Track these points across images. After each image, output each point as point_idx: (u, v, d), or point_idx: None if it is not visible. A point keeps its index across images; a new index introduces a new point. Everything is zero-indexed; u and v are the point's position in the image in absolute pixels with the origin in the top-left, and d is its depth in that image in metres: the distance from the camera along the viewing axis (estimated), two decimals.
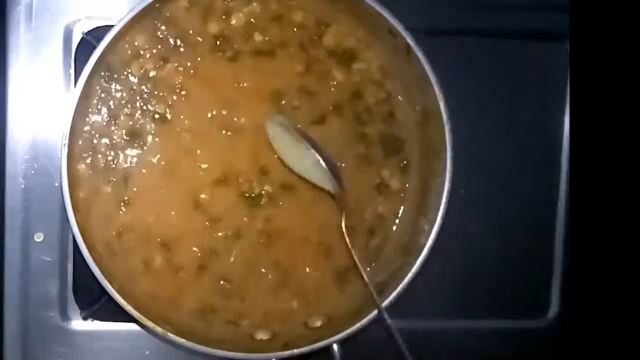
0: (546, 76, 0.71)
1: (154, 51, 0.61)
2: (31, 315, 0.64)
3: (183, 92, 0.61)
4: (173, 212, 0.62)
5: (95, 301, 0.65)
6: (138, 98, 0.61)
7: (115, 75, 0.61)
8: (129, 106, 0.61)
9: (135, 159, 0.61)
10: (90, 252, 0.57)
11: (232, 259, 0.63)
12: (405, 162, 0.65)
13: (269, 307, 0.64)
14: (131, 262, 0.61)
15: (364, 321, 0.60)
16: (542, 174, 0.72)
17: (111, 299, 0.58)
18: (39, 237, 0.64)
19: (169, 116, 0.61)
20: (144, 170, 0.61)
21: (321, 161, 0.59)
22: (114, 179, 0.61)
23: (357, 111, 0.64)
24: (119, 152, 0.61)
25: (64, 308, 0.65)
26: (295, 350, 0.60)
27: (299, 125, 0.62)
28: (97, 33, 0.64)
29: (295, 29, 0.63)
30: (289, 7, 0.63)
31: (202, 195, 0.62)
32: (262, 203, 0.63)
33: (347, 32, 0.64)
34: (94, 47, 0.58)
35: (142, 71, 0.61)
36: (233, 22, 0.62)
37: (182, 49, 0.61)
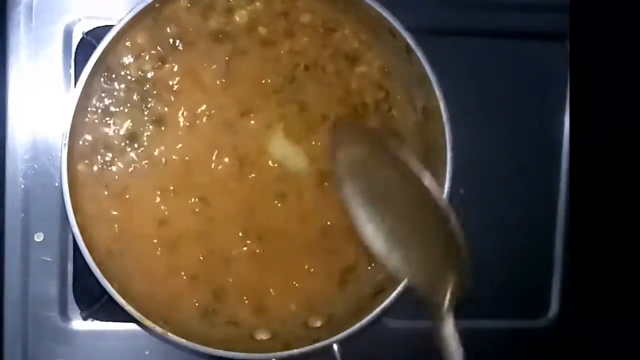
0: (546, 76, 0.71)
1: (153, 52, 0.61)
2: (31, 315, 0.64)
3: (182, 92, 0.61)
4: (173, 213, 0.62)
5: (95, 301, 0.65)
6: (137, 98, 0.61)
7: (114, 75, 0.61)
8: (129, 106, 0.61)
9: (135, 159, 0.61)
10: (90, 252, 0.57)
11: (232, 259, 0.63)
12: None
13: (270, 307, 0.63)
14: (131, 262, 0.61)
15: (364, 321, 0.60)
16: (542, 174, 0.72)
17: (111, 299, 0.58)
18: (39, 237, 0.64)
19: (168, 116, 0.61)
20: (143, 171, 0.61)
21: None
22: (114, 179, 0.61)
23: (357, 110, 0.64)
24: (119, 152, 0.61)
25: (64, 308, 0.65)
26: (295, 350, 0.60)
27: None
28: (97, 33, 0.64)
29: (301, 29, 0.63)
30: (296, 8, 0.63)
31: (203, 196, 0.62)
32: (262, 202, 0.63)
33: (350, 34, 0.64)
34: (94, 47, 0.58)
35: (140, 72, 0.61)
36: (237, 19, 0.62)
37: (181, 48, 0.61)
